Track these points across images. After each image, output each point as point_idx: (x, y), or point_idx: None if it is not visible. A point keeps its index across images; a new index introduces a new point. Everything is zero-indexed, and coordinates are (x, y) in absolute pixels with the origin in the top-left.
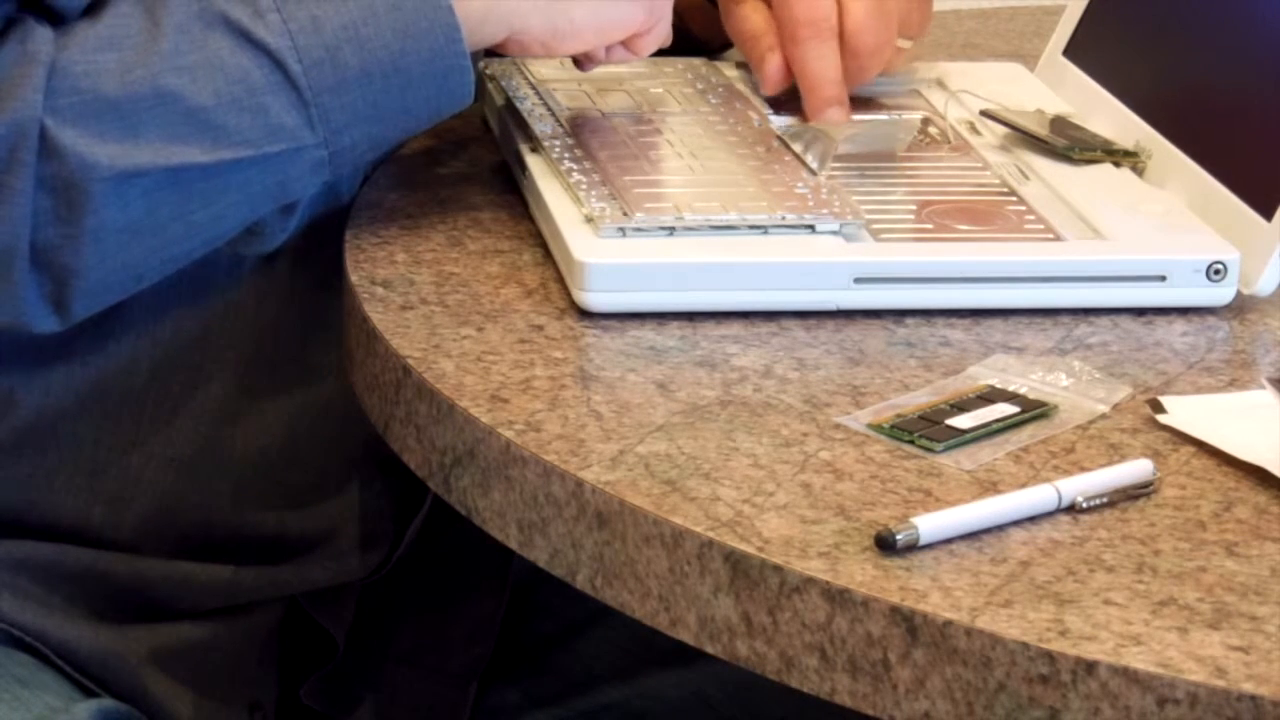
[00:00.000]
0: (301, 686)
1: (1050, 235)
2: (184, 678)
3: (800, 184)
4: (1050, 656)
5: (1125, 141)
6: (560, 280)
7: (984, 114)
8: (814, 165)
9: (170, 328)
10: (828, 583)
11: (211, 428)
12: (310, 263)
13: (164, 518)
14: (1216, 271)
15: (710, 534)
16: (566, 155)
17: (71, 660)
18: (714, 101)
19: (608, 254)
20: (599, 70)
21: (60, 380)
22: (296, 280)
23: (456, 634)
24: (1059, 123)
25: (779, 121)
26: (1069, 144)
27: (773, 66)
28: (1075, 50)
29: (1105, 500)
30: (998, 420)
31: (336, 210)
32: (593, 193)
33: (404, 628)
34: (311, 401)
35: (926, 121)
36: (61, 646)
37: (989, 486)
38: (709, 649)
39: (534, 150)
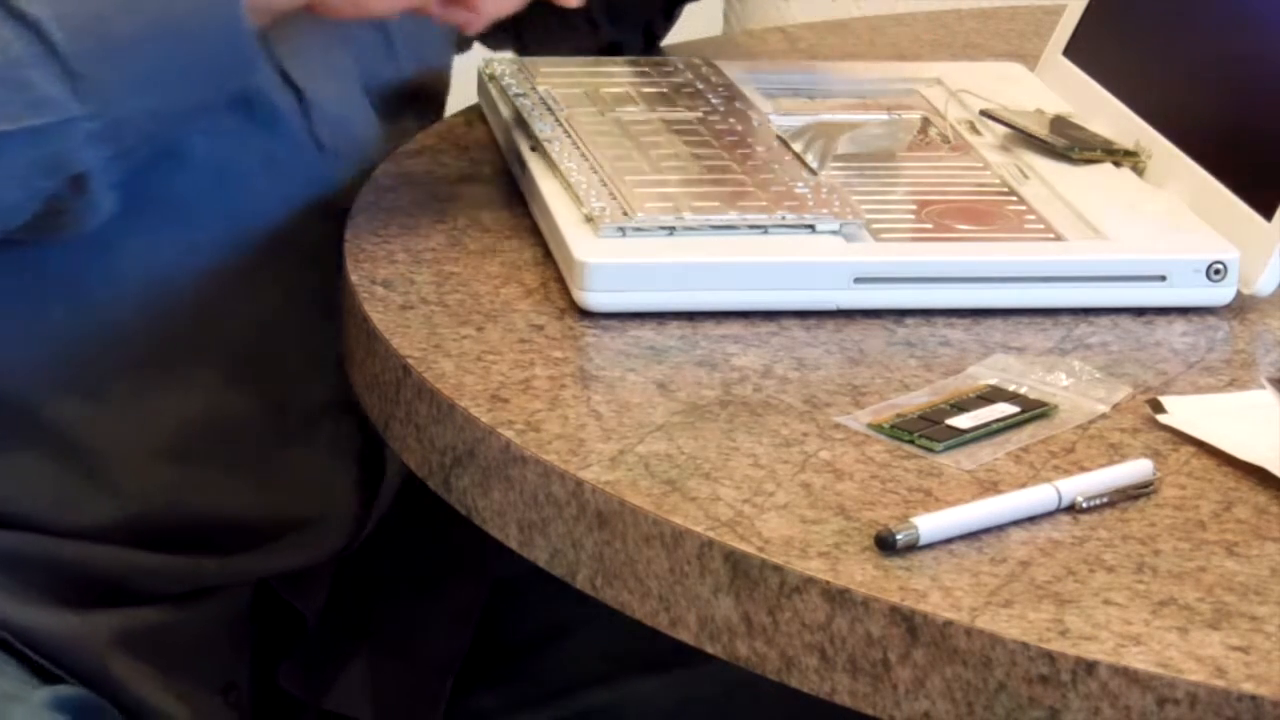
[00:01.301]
0: (278, 669)
1: (1050, 235)
2: (151, 661)
3: (800, 184)
4: (1050, 656)
5: (1125, 141)
6: (560, 280)
7: (984, 114)
8: (814, 165)
9: (146, 321)
10: (828, 583)
11: (182, 421)
12: (303, 258)
13: (127, 508)
14: (1216, 271)
15: (710, 534)
16: (566, 155)
17: (33, 646)
18: (714, 101)
19: (608, 254)
20: (598, 70)
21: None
22: (283, 276)
23: (435, 620)
24: (1059, 123)
25: (779, 121)
26: (1069, 144)
27: None
28: (1075, 50)
29: (1105, 500)
30: (998, 420)
31: (333, 206)
32: (593, 193)
33: (381, 610)
34: (282, 397)
35: (926, 121)
36: (23, 633)
37: (989, 486)
38: (709, 649)
39: (534, 150)
